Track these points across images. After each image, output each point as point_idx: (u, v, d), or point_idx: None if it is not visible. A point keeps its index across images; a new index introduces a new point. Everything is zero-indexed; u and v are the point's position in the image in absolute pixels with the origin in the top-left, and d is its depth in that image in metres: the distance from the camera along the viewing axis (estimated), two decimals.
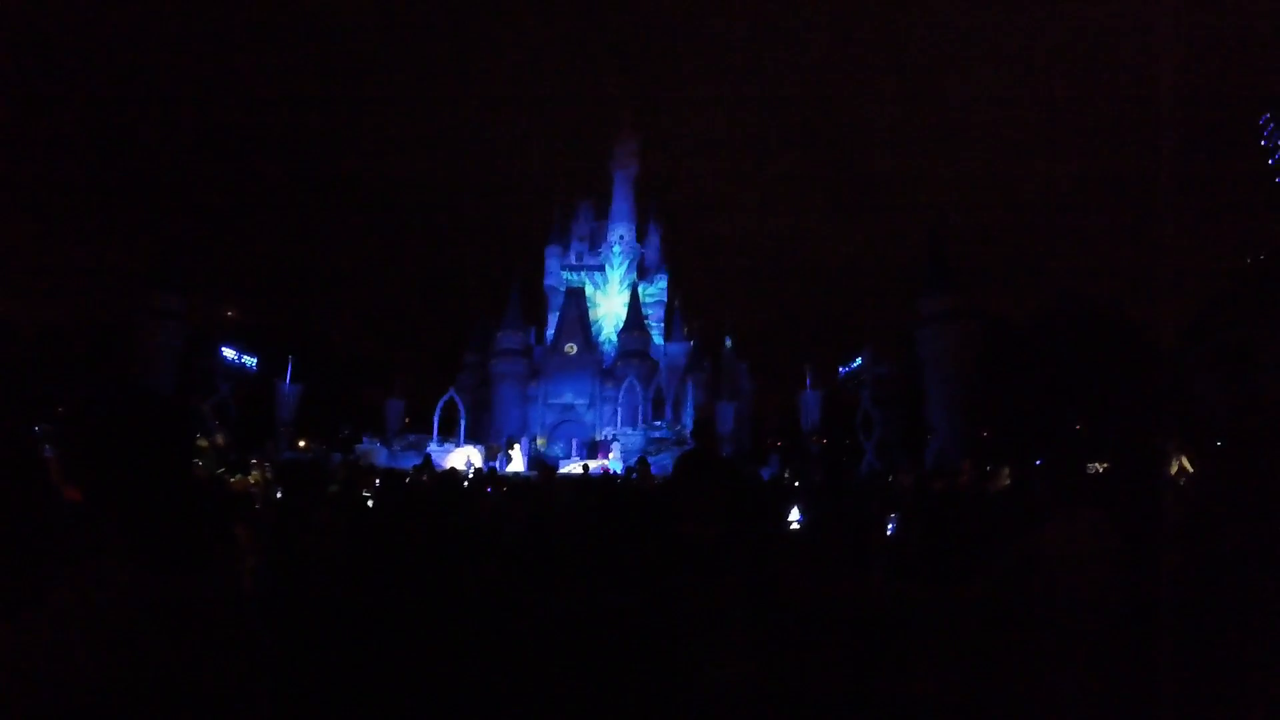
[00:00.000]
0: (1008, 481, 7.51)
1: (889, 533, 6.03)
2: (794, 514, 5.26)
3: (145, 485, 1.35)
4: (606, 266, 48.63)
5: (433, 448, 33.32)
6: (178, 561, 1.32)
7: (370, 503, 7.27)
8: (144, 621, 1.22)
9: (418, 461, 12.85)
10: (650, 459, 12.38)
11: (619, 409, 40.70)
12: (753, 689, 2.03)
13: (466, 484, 10.73)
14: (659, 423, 39.02)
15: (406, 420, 42.90)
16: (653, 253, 50.17)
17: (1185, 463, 10.23)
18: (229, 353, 33.95)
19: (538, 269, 49.57)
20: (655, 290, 49.13)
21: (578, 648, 1.79)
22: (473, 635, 3.49)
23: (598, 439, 37.85)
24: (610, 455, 34.00)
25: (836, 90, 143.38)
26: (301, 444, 38.45)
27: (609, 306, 47.93)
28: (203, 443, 19.78)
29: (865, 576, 2.19)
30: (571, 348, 43.64)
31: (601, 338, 46.26)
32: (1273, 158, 50.94)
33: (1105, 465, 4.00)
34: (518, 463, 33.29)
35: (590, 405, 41.76)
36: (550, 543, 4.87)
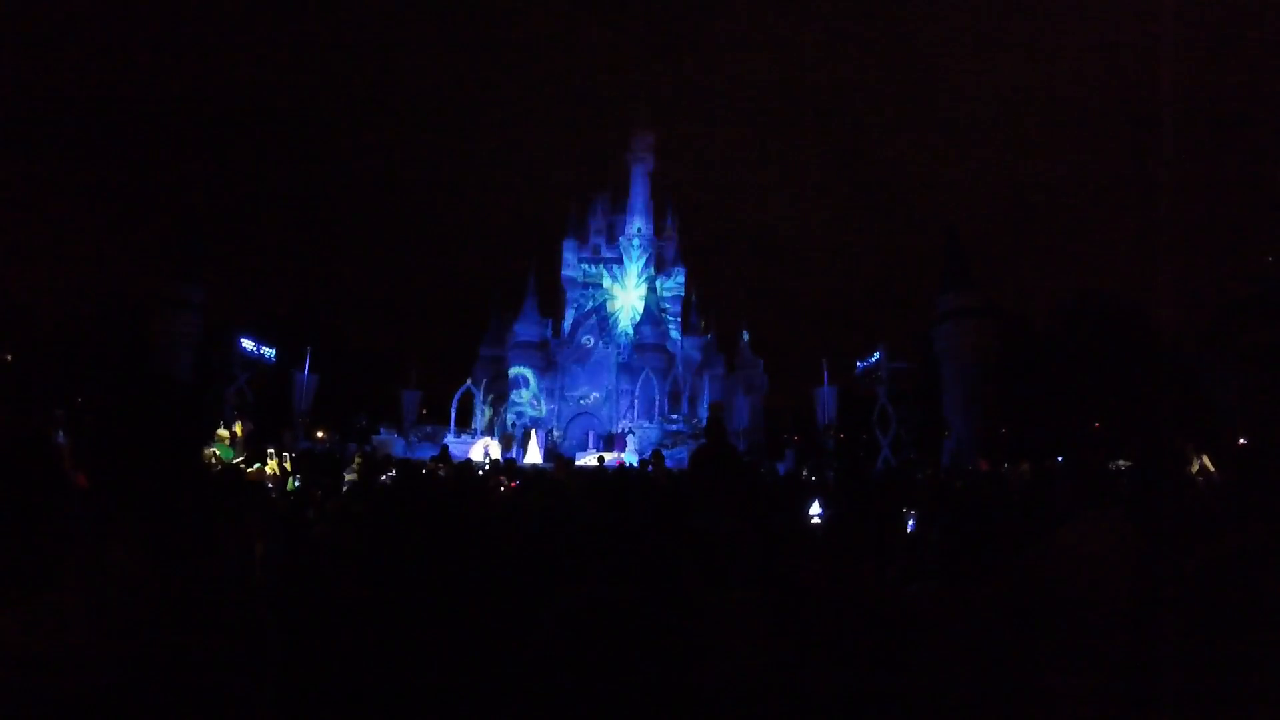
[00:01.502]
0: (1027, 477, 7.47)
1: (909, 530, 5.99)
2: (814, 508, 5.21)
3: (153, 471, 1.33)
4: (624, 260, 48.49)
5: (449, 439, 33.48)
6: (184, 549, 1.31)
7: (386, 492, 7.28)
8: (149, 608, 1.20)
9: (434, 453, 12.91)
10: (666, 452, 12.39)
11: (635, 402, 40.72)
12: (762, 685, 2.00)
13: (482, 473, 10.77)
14: (675, 416, 39.11)
15: (423, 411, 43.10)
16: (670, 247, 49.93)
17: (1207, 462, 10.15)
18: (248, 343, 34.06)
19: (554, 262, 49.46)
20: (672, 284, 48.90)
21: (585, 640, 1.76)
22: (480, 626, 3.48)
23: (614, 432, 37.86)
24: (626, 448, 34.03)
25: (855, 85, 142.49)
26: (319, 434, 38.66)
27: (626, 300, 47.79)
28: (223, 432, 19.84)
29: (882, 574, 2.15)
30: (588, 341, 43.65)
31: (618, 331, 46.16)
32: None
33: (1127, 464, 3.96)
34: (535, 454, 33.41)
35: (607, 398, 41.72)
36: (563, 533, 4.86)
